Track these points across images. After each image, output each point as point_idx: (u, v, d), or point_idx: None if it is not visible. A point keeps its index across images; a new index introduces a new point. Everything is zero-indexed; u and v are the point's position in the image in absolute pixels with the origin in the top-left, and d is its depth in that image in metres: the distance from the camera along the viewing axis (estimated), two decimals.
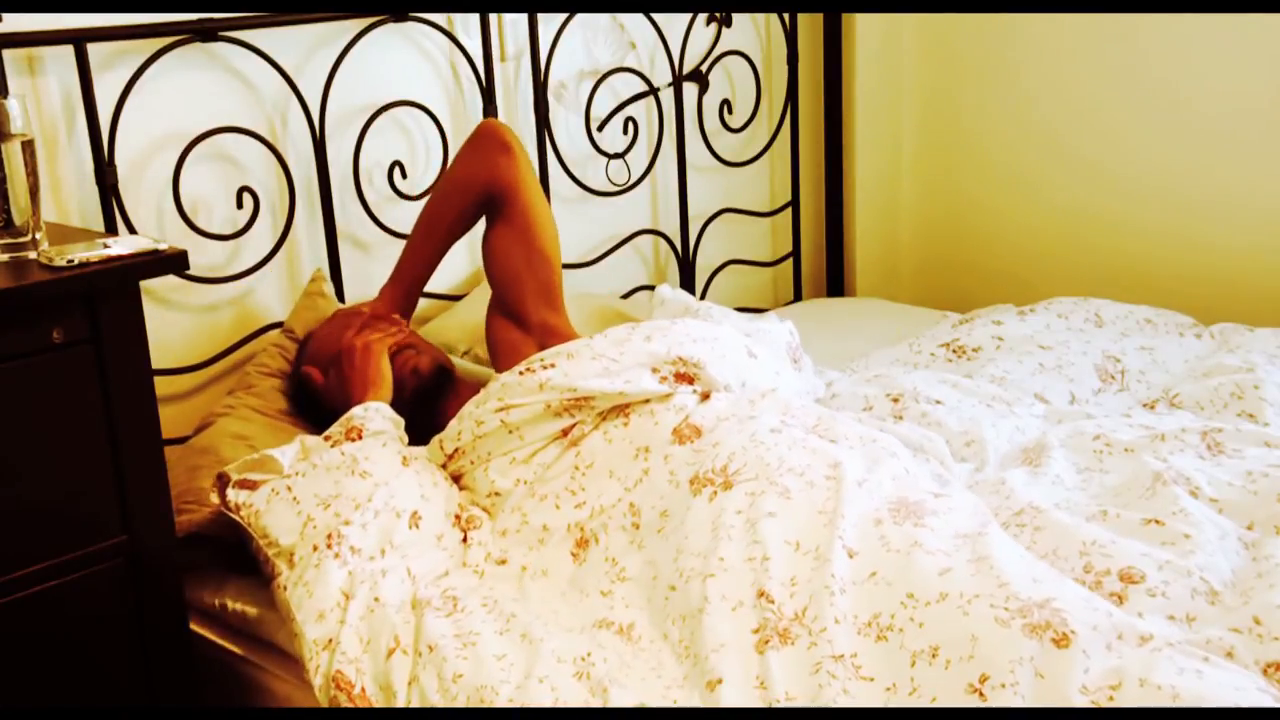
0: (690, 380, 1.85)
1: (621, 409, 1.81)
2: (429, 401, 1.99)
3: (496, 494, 1.79)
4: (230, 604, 1.81)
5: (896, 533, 1.50)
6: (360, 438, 1.78)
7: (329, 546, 1.62)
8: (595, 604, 1.60)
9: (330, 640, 1.56)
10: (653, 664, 1.48)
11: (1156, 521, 1.58)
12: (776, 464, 1.64)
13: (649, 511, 1.67)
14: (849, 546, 1.49)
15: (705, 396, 1.85)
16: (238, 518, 1.72)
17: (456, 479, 1.86)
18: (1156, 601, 1.44)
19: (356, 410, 1.83)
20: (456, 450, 1.83)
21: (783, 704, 1.35)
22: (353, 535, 1.64)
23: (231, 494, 1.73)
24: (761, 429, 1.72)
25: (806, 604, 1.44)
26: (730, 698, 1.37)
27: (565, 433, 1.80)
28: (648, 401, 1.81)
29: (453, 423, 1.85)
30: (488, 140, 2.07)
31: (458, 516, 1.77)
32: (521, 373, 1.82)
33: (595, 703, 1.41)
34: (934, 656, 1.34)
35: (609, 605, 1.58)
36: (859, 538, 1.51)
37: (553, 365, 1.81)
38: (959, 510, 1.56)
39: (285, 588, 1.63)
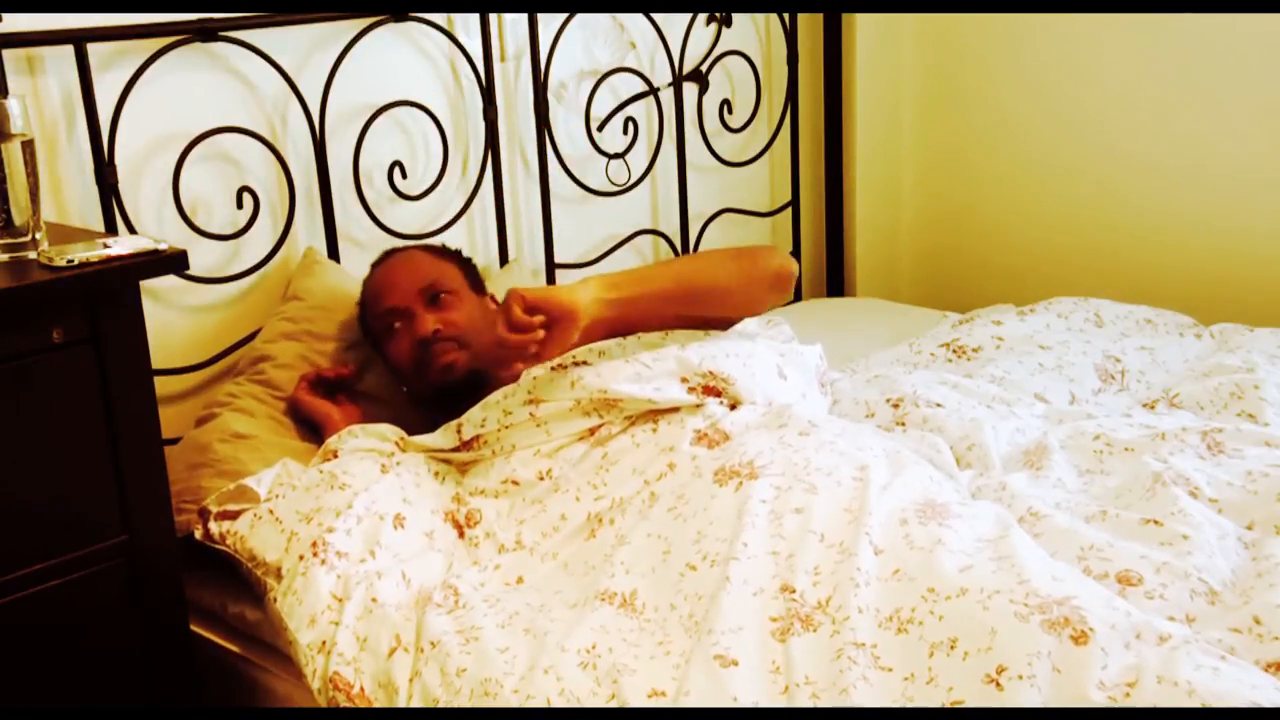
0: (718, 394, 1.85)
1: (651, 416, 1.81)
2: (450, 399, 1.96)
3: (515, 483, 1.79)
4: (231, 605, 1.81)
5: (921, 532, 1.50)
6: (336, 457, 1.83)
7: (315, 555, 1.64)
8: (597, 575, 1.60)
9: (325, 643, 1.56)
10: (659, 637, 1.48)
11: (1155, 522, 1.58)
12: (804, 464, 1.64)
13: (667, 496, 1.68)
14: (875, 544, 1.50)
15: (733, 408, 1.85)
16: (224, 548, 1.76)
17: (462, 467, 1.86)
18: (1155, 604, 1.43)
19: (331, 440, 1.87)
20: (477, 438, 1.84)
21: (801, 688, 1.36)
22: (338, 541, 1.65)
23: (214, 526, 1.78)
24: (790, 434, 1.73)
25: (830, 594, 1.45)
26: (745, 681, 1.37)
27: (592, 432, 1.81)
28: (678, 410, 1.82)
29: (475, 409, 1.84)
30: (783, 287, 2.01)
31: (450, 513, 1.78)
32: (553, 368, 1.82)
33: (603, 691, 1.41)
34: (952, 648, 1.35)
35: (610, 574, 1.58)
36: (884, 536, 1.51)
37: (584, 363, 1.82)
38: (983, 517, 1.57)
39: (276, 600, 1.64)
